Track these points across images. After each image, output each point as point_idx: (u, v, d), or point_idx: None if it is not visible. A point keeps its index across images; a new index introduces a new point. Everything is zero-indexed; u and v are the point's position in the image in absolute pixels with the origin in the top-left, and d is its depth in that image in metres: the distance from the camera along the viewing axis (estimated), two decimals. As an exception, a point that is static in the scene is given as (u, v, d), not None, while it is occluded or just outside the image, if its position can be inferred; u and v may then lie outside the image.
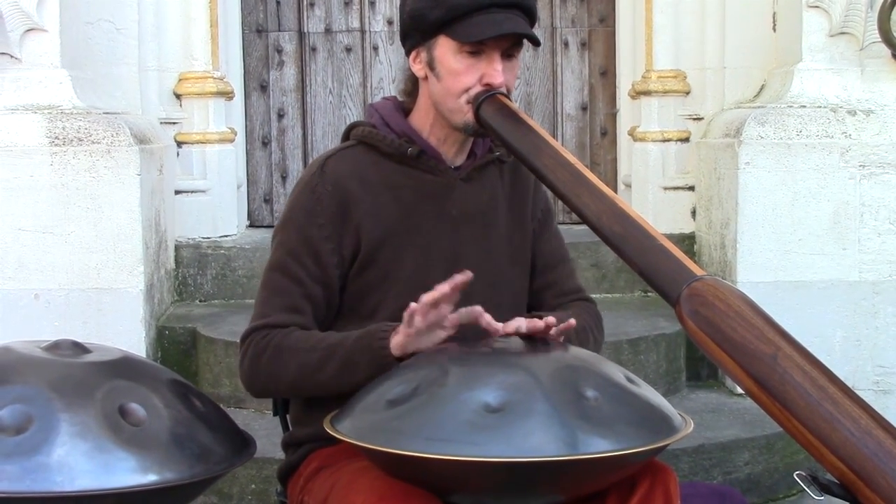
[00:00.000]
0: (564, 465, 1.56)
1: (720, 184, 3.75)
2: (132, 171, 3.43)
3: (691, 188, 4.15)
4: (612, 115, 4.55)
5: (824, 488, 1.61)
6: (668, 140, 4.22)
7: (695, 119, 4.20)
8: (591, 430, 1.59)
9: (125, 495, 1.52)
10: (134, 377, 1.68)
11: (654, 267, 1.79)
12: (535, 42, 1.94)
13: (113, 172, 3.42)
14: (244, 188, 4.49)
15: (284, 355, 1.92)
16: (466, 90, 1.95)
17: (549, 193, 2.07)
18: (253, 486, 2.94)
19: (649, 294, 3.89)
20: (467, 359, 1.75)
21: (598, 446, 1.57)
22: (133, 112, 3.87)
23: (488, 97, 1.94)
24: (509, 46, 1.96)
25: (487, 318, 1.82)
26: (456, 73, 1.95)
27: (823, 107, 3.61)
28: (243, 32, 4.51)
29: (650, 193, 4.22)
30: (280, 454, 2.16)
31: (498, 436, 1.56)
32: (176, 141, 4.14)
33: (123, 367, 1.70)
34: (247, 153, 4.53)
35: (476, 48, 1.93)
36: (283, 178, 4.55)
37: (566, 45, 4.55)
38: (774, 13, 4.00)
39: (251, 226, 4.54)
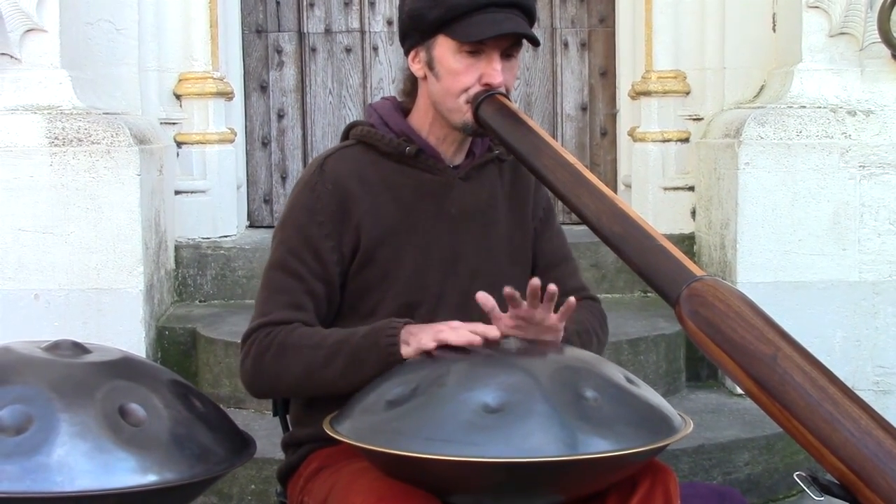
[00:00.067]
0: (564, 466, 1.56)
1: (720, 184, 3.75)
2: (132, 171, 3.43)
3: (691, 188, 4.15)
4: (612, 116, 4.55)
5: (824, 489, 1.61)
6: (668, 140, 4.22)
7: (695, 119, 4.20)
8: (590, 430, 1.59)
9: (125, 495, 1.52)
10: (134, 377, 1.68)
11: (653, 267, 1.79)
12: (535, 42, 1.94)
13: (113, 173, 3.42)
14: (244, 188, 4.49)
15: (289, 352, 1.91)
16: (465, 90, 1.95)
17: (549, 193, 2.07)
18: (253, 486, 2.94)
19: (649, 294, 3.89)
20: (467, 359, 1.75)
21: (598, 447, 1.57)
22: (133, 112, 3.87)
23: (487, 97, 1.94)
24: (508, 46, 1.96)
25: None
26: (455, 73, 1.95)
27: (823, 107, 3.61)
28: (243, 33, 4.51)
29: (650, 194, 4.22)
30: (280, 454, 2.16)
31: (497, 436, 1.56)
32: (176, 141, 4.14)
33: (123, 367, 1.70)
34: (247, 153, 4.53)
35: (475, 48, 1.93)
36: (283, 179, 4.55)
37: (566, 45, 4.55)
38: (774, 13, 4.00)
39: (251, 226, 4.54)
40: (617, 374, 1.74)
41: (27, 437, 1.52)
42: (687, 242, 4.06)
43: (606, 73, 4.55)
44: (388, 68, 4.55)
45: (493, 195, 2.09)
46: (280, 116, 4.55)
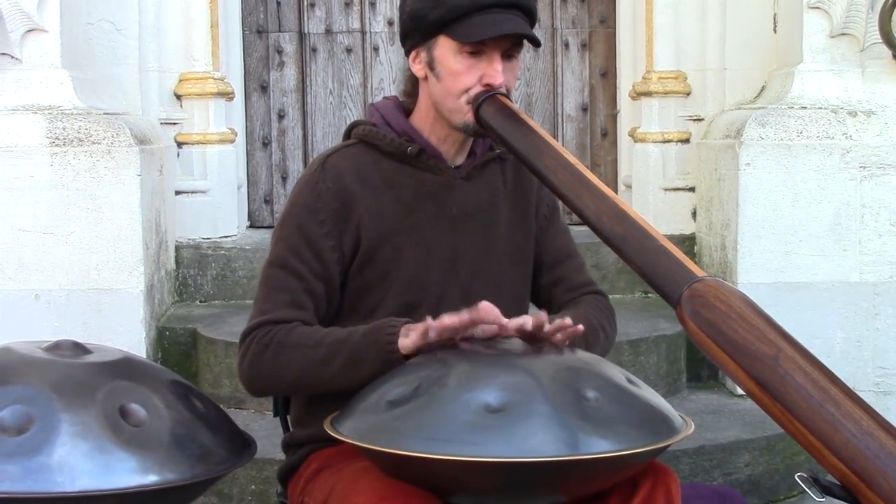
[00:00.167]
0: (565, 466, 1.56)
1: (721, 185, 3.75)
2: (132, 171, 3.43)
3: (692, 189, 4.15)
4: (613, 116, 4.55)
5: (825, 490, 1.61)
6: (669, 141, 4.22)
7: (695, 120, 4.20)
8: (591, 430, 1.58)
9: (126, 496, 1.52)
10: (134, 378, 1.68)
11: (654, 268, 1.79)
12: (536, 42, 1.94)
13: (113, 173, 3.42)
14: (244, 189, 4.49)
15: (288, 351, 1.91)
16: (466, 90, 1.95)
17: (550, 193, 2.07)
18: (253, 486, 2.94)
19: (650, 295, 3.89)
20: (468, 359, 1.75)
21: (599, 447, 1.57)
22: (133, 112, 3.87)
23: (488, 97, 1.94)
24: (509, 47, 1.96)
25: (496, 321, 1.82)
26: (456, 74, 1.95)
27: (824, 108, 3.61)
28: (244, 33, 4.51)
29: (650, 194, 4.22)
30: (280, 455, 2.16)
31: (498, 436, 1.56)
32: (176, 141, 4.15)
33: (124, 367, 1.70)
34: (247, 154, 4.53)
35: (476, 48, 1.93)
36: (284, 179, 4.55)
37: (567, 46, 4.55)
38: (775, 14, 4.00)
39: (251, 226, 4.54)
40: (618, 374, 1.74)
41: (28, 437, 1.52)
42: (687, 243, 4.06)
43: (607, 74, 4.55)
44: (388, 69, 4.55)
45: (495, 195, 2.09)
46: (280, 117, 4.55)
